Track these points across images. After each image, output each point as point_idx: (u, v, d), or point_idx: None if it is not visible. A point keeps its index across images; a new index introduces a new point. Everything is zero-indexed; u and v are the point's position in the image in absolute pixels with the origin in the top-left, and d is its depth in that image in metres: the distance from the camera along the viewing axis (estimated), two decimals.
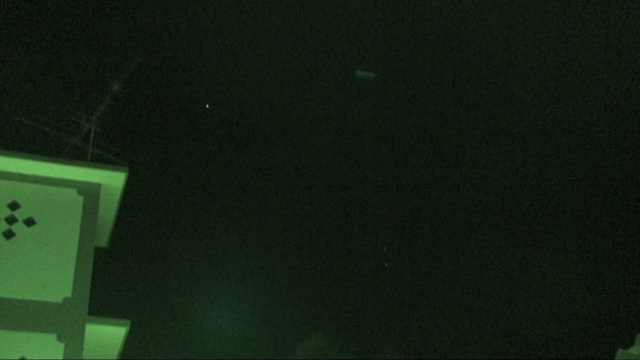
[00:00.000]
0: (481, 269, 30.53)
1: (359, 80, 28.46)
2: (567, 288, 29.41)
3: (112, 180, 14.10)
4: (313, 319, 28.14)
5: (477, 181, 30.64)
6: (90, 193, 13.96)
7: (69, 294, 13.02)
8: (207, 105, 27.64)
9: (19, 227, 13.36)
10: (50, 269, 13.13)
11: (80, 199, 13.86)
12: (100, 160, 14.36)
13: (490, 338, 29.32)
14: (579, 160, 29.89)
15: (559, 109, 29.54)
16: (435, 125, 30.24)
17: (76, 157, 14.46)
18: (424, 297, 30.22)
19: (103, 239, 15.78)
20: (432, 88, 29.84)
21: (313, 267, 29.94)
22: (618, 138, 29.11)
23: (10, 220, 13.38)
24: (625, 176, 29.41)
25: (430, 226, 30.88)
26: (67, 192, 13.85)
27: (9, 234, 13.27)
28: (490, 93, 29.64)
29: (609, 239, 29.80)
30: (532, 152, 30.56)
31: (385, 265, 29.44)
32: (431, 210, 30.78)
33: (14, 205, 13.50)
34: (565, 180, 30.31)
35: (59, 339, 12.63)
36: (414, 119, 30.12)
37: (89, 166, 13.93)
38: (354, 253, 30.55)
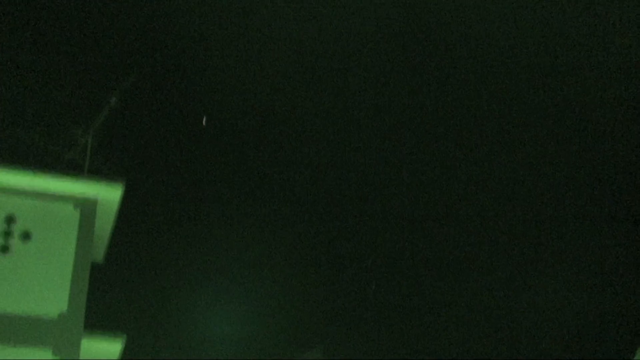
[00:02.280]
0: (485, 269, 30.46)
1: (360, 81, 28.48)
2: (581, 286, 29.37)
3: (108, 195, 14.08)
4: (312, 332, 28.07)
5: (480, 178, 30.62)
6: (86, 207, 13.94)
7: (64, 309, 12.97)
8: (204, 121, 27.65)
9: (15, 242, 13.32)
10: (46, 284, 13.08)
11: (77, 213, 13.83)
12: (97, 175, 14.34)
13: (496, 339, 29.25)
14: (584, 156, 29.90)
15: (559, 108, 29.59)
16: (437, 124, 30.25)
17: (73, 171, 14.44)
18: (426, 307, 30.14)
19: (99, 254, 15.73)
20: (434, 88, 29.87)
21: (313, 279, 29.90)
22: (623, 136, 29.15)
23: (6, 234, 13.34)
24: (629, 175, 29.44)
25: (430, 228, 30.83)
26: (64, 206, 13.82)
27: (4, 248, 13.23)
28: (490, 94, 29.69)
29: (621, 236, 29.77)
30: (536, 148, 30.54)
31: (373, 287, 29.42)
32: (431, 211, 30.75)
33: (10, 219, 13.46)
34: (569, 178, 30.32)
35: (54, 354, 12.57)
36: (416, 116, 30.13)
37: (85, 180, 13.92)
38: (357, 260, 30.48)
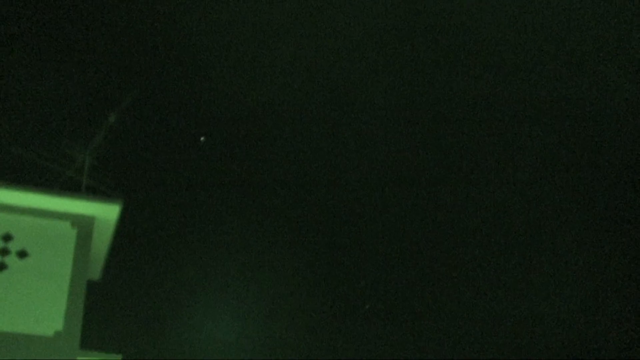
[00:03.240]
0: (483, 272, 30.38)
1: (361, 82, 28.51)
2: (576, 289, 29.30)
3: (106, 213, 14.06)
4: (313, 350, 27.97)
5: (479, 181, 30.59)
6: (84, 226, 13.91)
7: (60, 328, 12.91)
8: (202, 139, 27.65)
9: (11, 260, 13.28)
10: (42, 302, 13.02)
11: (74, 231, 13.81)
12: (94, 193, 14.33)
13: (493, 341, 29.14)
14: (583, 157, 29.88)
15: (560, 109, 29.59)
16: (437, 125, 30.25)
17: (70, 189, 14.42)
18: (423, 309, 30.05)
19: (96, 272, 15.69)
20: (437, 89, 29.89)
21: (311, 288, 29.82)
22: (622, 137, 29.14)
23: (3, 252, 13.30)
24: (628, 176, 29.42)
25: (430, 231, 30.77)
26: (61, 224, 13.80)
27: (1, 266, 13.19)
28: (491, 95, 29.70)
29: (618, 242, 29.74)
30: (535, 151, 30.53)
31: (366, 307, 29.33)
32: (432, 212, 30.70)
33: (7, 237, 13.43)
34: (569, 180, 30.29)
35: None
36: (417, 120, 30.14)
37: (83, 198, 13.89)
38: (357, 266, 30.38)
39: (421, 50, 29.06)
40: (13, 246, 13.40)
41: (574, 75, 28.47)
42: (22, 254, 13.37)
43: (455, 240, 30.61)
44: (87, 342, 13.33)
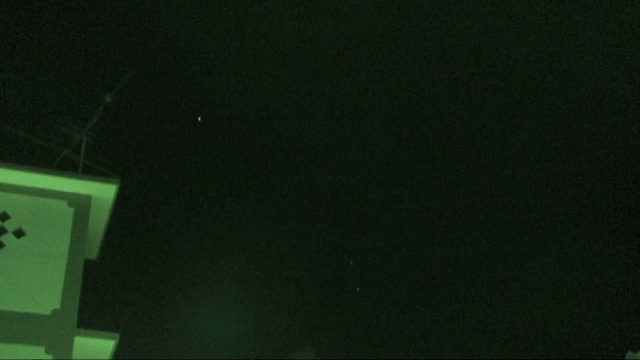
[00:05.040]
0: (481, 271, 30.51)
1: (362, 83, 28.53)
2: (572, 289, 29.43)
3: (103, 192, 14.09)
4: (304, 333, 28.06)
5: (478, 180, 30.67)
6: (80, 205, 13.94)
7: (57, 306, 12.96)
8: (200, 119, 27.62)
9: (8, 238, 13.32)
10: (40, 281, 13.07)
11: (71, 210, 13.84)
12: (91, 172, 14.35)
13: (491, 340, 29.30)
14: (582, 158, 29.96)
15: (561, 109, 29.64)
16: (439, 128, 30.29)
17: (67, 168, 14.45)
18: (424, 314, 30.19)
19: (93, 251, 15.74)
20: (438, 92, 29.91)
21: (308, 278, 29.90)
22: (621, 136, 29.20)
23: (0, 231, 13.34)
24: (627, 177, 29.52)
25: (430, 229, 30.86)
26: (58, 203, 13.83)
27: None
28: (492, 97, 29.73)
29: (613, 241, 29.87)
30: (535, 152, 30.60)
31: (357, 290, 29.44)
32: (431, 211, 30.78)
33: (3, 216, 13.47)
34: (568, 180, 30.38)
35: (47, 351, 12.56)
36: (417, 122, 30.17)
37: (79, 178, 13.92)
38: (353, 262, 30.47)
39: (420, 51, 29.10)
40: (10, 225, 13.44)
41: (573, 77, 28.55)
42: (19, 233, 13.41)
43: (448, 225, 30.73)
44: (84, 321, 13.38)
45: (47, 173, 13.74)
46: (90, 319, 14.03)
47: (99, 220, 14.73)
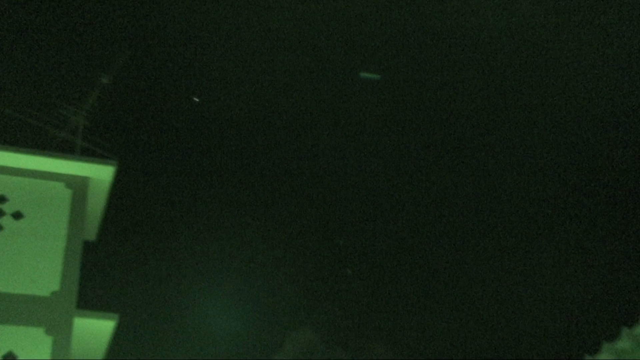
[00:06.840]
0: (479, 265, 30.65)
1: (363, 82, 28.53)
2: (561, 282, 29.57)
3: (100, 174, 14.09)
4: (303, 313, 28.19)
5: (478, 178, 30.75)
6: (78, 187, 13.95)
7: (57, 288, 13.00)
8: (197, 99, 27.58)
9: (6, 221, 13.34)
10: (39, 263, 13.10)
11: (69, 192, 13.85)
12: (89, 154, 14.35)
13: (485, 334, 29.46)
14: (579, 157, 30.04)
15: (561, 109, 29.68)
16: (439, 126, 30.32)
17: (65, 150, 14.45)
18: (418, 293, 30.31)
19: (91, 233, 15.76)
20: (437, 89, 29.91)
21: (304, 261, 29.99)
22: (618, 135, 29.27)
23: None
24: (624, 174, 29.60)
25: (429, 223, 30.96)
26: (56, 185, 13.84)
27: None
28: (492, 96, 29.73)
29: (608, 239, 30.01)
30: (533, 151, 30.68)
31: (349, 271, 29.57)
32: (431, 208, 30.86)
33: (1, 199, 13.47)
34: (565, 179, 30.47)
35: (47, 332, 12.61)
36: (418, 119, 30.19)
37: (77, 160, 13.92)
38: (347, 248, 30.60)
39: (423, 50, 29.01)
40: (8, 208, 13.45)
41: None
42: (18, 215, 13.43)
43: (442, 209, 30.80)
44: (83, 302, 13.42)
45: (44, 155, 13.73)
46: (90, 300, 14.08)
47: (97, 201, 14.74)
